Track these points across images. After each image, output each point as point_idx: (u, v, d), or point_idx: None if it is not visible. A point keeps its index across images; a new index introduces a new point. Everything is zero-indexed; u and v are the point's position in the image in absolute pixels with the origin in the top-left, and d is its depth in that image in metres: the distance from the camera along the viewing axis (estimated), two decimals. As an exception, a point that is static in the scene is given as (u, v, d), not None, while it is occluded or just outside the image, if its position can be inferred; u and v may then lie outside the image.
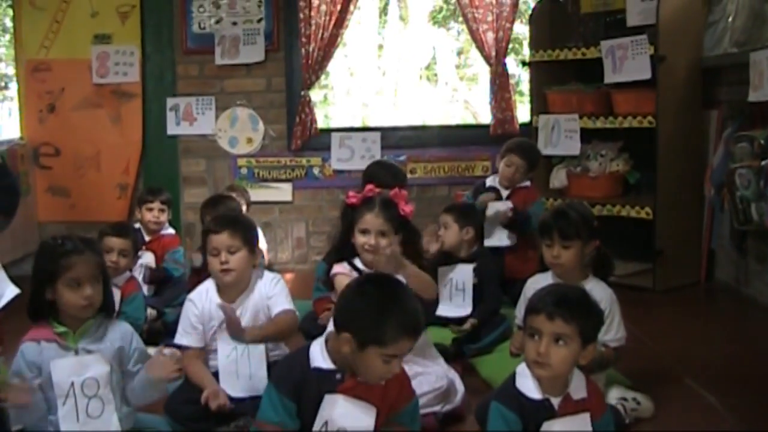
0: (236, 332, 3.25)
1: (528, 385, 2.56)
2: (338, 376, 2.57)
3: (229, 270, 3.32)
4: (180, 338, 3.40)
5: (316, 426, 2.57)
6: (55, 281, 2.71)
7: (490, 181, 5.12)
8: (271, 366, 3.34)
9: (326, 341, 2.63)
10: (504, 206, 4.75)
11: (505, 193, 4.98)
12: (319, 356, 2.60)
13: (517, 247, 4.87)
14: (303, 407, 2.57)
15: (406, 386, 2.70)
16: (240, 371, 3.29)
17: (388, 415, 2.63)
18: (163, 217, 5.16)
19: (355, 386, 2.58)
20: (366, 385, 2.57)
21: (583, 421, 2.55)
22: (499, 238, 4.89)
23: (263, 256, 4.74)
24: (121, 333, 2.87)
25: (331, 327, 2.62)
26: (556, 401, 2.54)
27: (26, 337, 2.78)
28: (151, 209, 5.13)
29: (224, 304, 3.28)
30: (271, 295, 3.40)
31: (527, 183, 5.02)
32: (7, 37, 8.88)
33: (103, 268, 2.84)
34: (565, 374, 2.54)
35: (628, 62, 5.37)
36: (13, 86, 7.24)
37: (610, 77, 5.50)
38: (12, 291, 3.31)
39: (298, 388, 2.57)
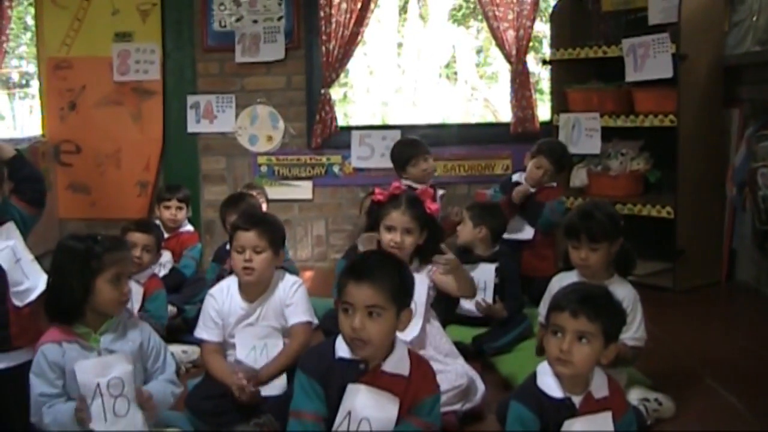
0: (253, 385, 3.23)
1: (549, 384, 2.55)
2: (362, 366, 2.59)
3: (251, 269, 3.33)
4: (200, 332, 3.43)
5: (340, 416, 2.58)
6: (95, 277, 2.73)
7: (516, 177, 5.11)
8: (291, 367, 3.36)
9: None
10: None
11: (531, 191, 4.99)
12: (343, 347, 2.61)
13: (535, 244, 4.88)
14: (328, 396, 2.60)
15: (430, 379, 2.70)
16: (259, 348, 3.33)
17: (410, 407, 2.62)
18: (181, 215, 5.17)
19: (379, 376, 2.59)
20: (390, 375, 2.59)
21: (605, 420, 2.54)
22: (518, 231, 4.90)
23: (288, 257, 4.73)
24: (140, 331, 2.90)
25: None
26: (577, 400, 2.54)
27: (45, 338, 2.78)
28: (168, 207, 5.15)
29: (241, 377, 3.23)
30: (290, 303, 3.41)
31: (554, 183, 5.03)
32: (29, 35, 8.93)
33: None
34: (586, 373, 2.53)
35: (649, 60, 5.35)
36: (35, 84, 7.28)
37: (631, 76, 5.48)
38: (44, 283, 3.33)
39: (325, 377, 2.59)
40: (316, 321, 3.49)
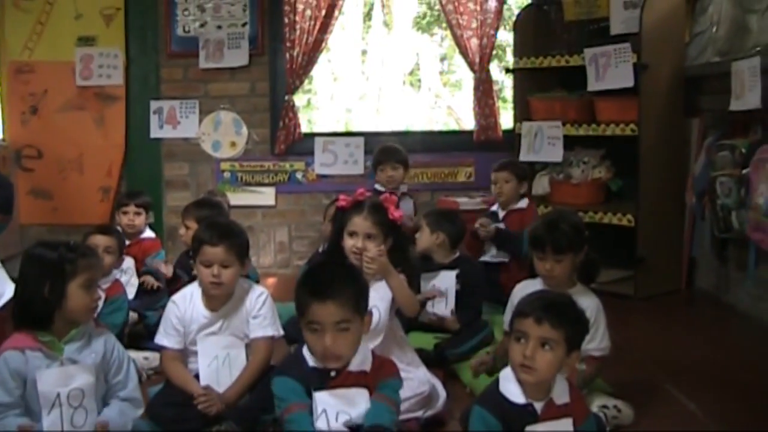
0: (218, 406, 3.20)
1: (512, 390, 2.57)
2: (332, 373, 2.67)
3: (219, 284, 3.31)
4: (160, 338, 3.39)
5: (317, 418, 2.63)
6: (68, 282, 2.72)
7: (494, 207, 5.19)
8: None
9: None
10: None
11: (501, 214, 5.07)
12: (312, 358, 2.69)
13: (510, 267, 4.88)
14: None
15: (390, 366, 2.81)
16: (221, 380, 3.29)
17: (375, 389, 2.73)
18: (139, 220, 5.12)
19: (346, 377, 2.68)
20: (355, 374, 2.69)
21: (566, 425, 2.57)
22: (491, 254, 4.94)
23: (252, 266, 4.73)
24: (104, 342, 2.88)
25: None
26: (539, 406, 2.56)
27: (7, 344, 2.75)
28: (126, 212, 5.11)
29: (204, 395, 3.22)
30: (256, 315, 3.39)
31: (523, 204, 5.05)
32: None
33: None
34: (549, 379, 2.56)
35: (611, 70, 5.39)
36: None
37: (593, 85, 5.52)
38: (12, 290, 3.31)
39: (303, 383, 2.66)
40: (281, 332, 3.47)
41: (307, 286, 2.65)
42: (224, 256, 3.30)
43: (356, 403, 2.68)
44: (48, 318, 2.73)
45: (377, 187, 5.24)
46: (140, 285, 4.75)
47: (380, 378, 2.74)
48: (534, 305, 2.56)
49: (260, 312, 3.38)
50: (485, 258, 4.93)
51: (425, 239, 4.45)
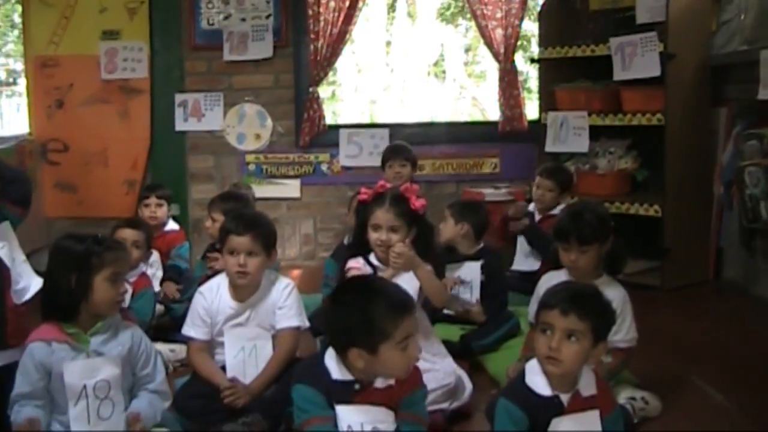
0: (244, 398, 3.20)
1: (537, 382, 2.56)
2: (357, 386, 2.58)
3: (245, 273, 3.31)
4: (188, 330, 3.40)
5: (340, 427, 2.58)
6: (94, 275, 2.72)
7: (531, 207, 5.25)
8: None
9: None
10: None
11: (537, 218, 5.15)
12: (336, 369, 2.59)
13: (541, 273, 4.86)
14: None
15: (415, 377, 2.70)
16: (247, 371, 3.29)
17: (400, 405, 2.64)
18: (161, 212, 5.16)
19: (371, 393, 2.59)
20: (380, 390, 2.60)
21: (592, 418, 2.55)
22: (526, 263, 4.96)
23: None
24: (131, 335, 2.87)
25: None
26: (565, 398, 2.54)
27: (34, 336, 2.76)
28: (147, 204, 5.15)
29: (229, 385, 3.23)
30: (282, 306, 3.38)
31: (558, 211, 4.97)
32: (16, 32, 8.89)
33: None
34: (575, 371, 2.54)
35: (637, 59, 5.35)
36: (22, 82, 7.24)
37: (619, 74, 5.48)
38: (38, 283, 3.33)
39: (325, 395, 2.57)
40: (306, 324, 3.47)
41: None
42: (250, 245, 3.30)
43: (381, 420, 2.61)
44: (74, 310, 2.73)
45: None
46: (161, 286, 4.77)
47: (405, 390, 2.65)
48: (559, 296, 2.55)
49: (286, 303, 3.38)
50: (518, 267, 5.04)
51: (449, 230, 4.42)
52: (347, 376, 2.57)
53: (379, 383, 2.60)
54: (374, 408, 2.58)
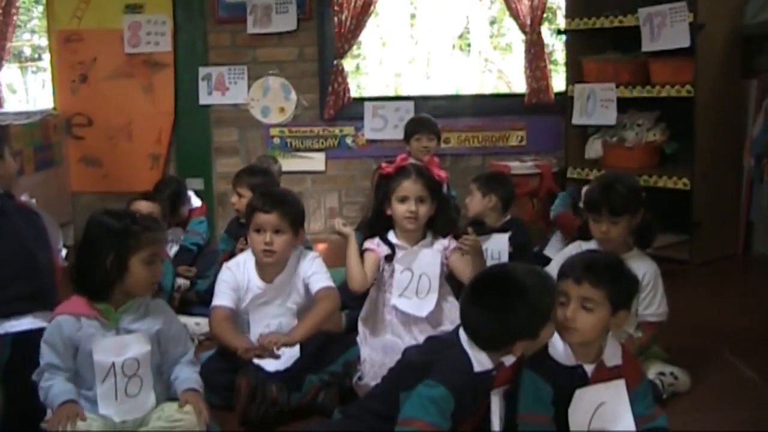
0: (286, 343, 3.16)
1: (560, 352, 2.54)
2: (493, 372, 2.52)
3: (271, 251, 3.29)
4: (221, 299, 3.36)
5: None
6: (131, 256, 2.67)
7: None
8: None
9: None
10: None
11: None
12: (481, 360, 2.49)
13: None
14: (457, 409, 2.47)
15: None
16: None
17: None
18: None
19: (505, 374, 2.54)
20: (506, 367, 2.54)
21: (618, 387, 2.52)
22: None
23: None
24: (162, 313, 2.83)
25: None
26: (589, 368, 2.51)
27: (63, 308, 2.72)
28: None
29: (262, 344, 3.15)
30: (311, 273, 3.37)
31: None
32: (40, 8, 8.89)
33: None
34: (593, 339, 2.51)
35: (666, 30, 5.27)
36: (46, 57, 7.24)
37: (647, 45, 5.40)
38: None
39: (463, 391, 2.46)
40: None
41: None
42: (277, 223, 3.28)
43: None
44: (107, 289, 2.69)
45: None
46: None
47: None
48: (575, 265, 2.53)
49: (314, 269, 3.38)
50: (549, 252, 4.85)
51: (477, 203, 4.38)
52: (487, 365, 2.50)
53: (506, 360, 2.53)
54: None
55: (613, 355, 2.56)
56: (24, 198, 3.53)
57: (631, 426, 2.52)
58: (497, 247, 4.27)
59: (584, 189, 4.96)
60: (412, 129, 5.20)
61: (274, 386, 3.05)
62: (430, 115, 5.53)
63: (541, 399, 2.50)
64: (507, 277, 2.49)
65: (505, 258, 4.25)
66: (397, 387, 2.57)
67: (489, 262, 4.25)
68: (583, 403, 2.50)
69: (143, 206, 4.16)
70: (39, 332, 2.76)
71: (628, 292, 2.57)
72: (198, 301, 4.35)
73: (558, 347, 2.55)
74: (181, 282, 4.51)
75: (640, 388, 2.59)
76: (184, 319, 4.04)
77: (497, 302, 2.43)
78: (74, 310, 2.69)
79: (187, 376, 2.82)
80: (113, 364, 2.65)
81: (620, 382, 2.53)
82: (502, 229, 4.34)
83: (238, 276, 3.38)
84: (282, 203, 3.34)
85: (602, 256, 2.67)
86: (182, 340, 2.89)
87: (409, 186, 3.36)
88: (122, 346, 2.67)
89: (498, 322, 2.41)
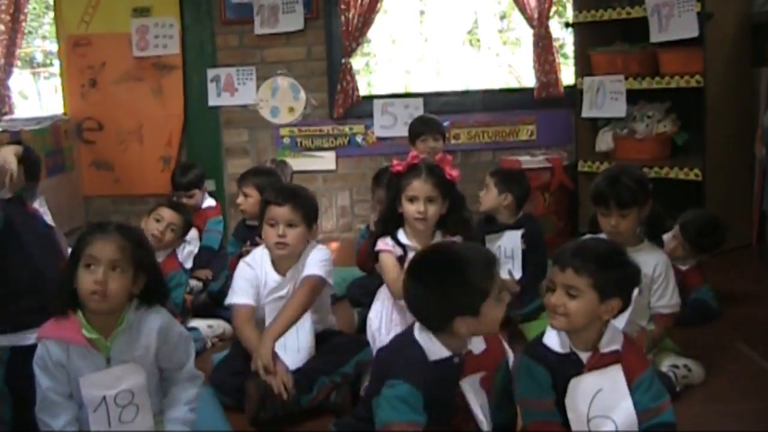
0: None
1: (553, 339, 2.52)
2: (456, 360, 2.49)
3: (284, 244, 3.30)
4: (232, 297, 3.38)
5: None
6: (77, 263, 2.45)
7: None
8: (318, 338, 3.35)
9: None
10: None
11: None
12: (433, 348, 2.47)
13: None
14: (428, 401, 2.44)
15: (498, 340, 2.65)
16: (288, 344, 3.28)
17: (493, 376, 2.58)
18: (193, 201, 5.16)
19: (473, 361, 2.52)
20: (476, 356, 2.52)
21: (614, 373, 2.49)
22: None
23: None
24: (156, 329, 2.57)
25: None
26: (584, 356, 2.49)
27: (48, 331, 2.50)
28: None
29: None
30: (309, 260, 3.38)
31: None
32: (51, 14, 8.93)
33: (139, 260, 2.50)
34: (579, 327, 2.48)
35: (674, 20, 5.24)
36: (57, 63, 7.27)
37: (656, 36, 5.38)
38: None
39: (427, 383, 2.42)
40: (331, 283, 3.46)
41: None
42: (290, 216, 3.31)
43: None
44: (71, 302, 2.48)
45: None
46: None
47: (497, 351, 2.61)
48: (564, 252, 2.50)
49: (312, 257, 3.38)
50: None
51: (492, 199, 4.35)
52: (444, 353, 2.47)
53: (474, 348, 2.52)
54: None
55: (610, 342, 2.51)
56: (37, 204, 3.53)
57: (631, 412, 2.48)
58: (510, 244, 4.28)
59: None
60: (418, 130, 5.07)
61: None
62: (440, 111, 5.52)
63: (539, 384, 2.49)
64: (443, 253, 2.55)
65: (518, 255, 4.25)
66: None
67: (502, 260, 4.26)
68: (579, 391, 2.48)
69: (166, 214, 4.14)
70: None
71: (621, 281, 2.50)
72: (211, 303, 4.35)
73: (551, 335, 2.54)
74: (194, 284, 4.53)
75: (644, 377, 2.53)
76: (197, 322, 4.06)
77: (432, 277, 2.44)
78: (62, 334, 2.49)
79: (176, 416, 2.65)
80: (104, 398, 2.49)
81: (616, 368, 2.49)
82: (515, 226, 4.33)
83: (256, 270, 3.42)
84: (295, 196, 3.37)
85: (595, 243, 2.62)
86: (180, 349, 2.66)
87: (418, 186, 3.32)
88: (114, 379, 2.50)
89: (434, 297, 2.42)
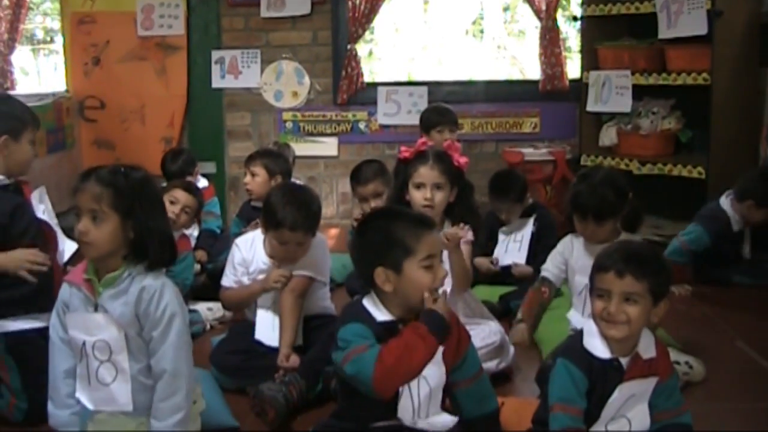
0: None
1: (596, 345, 2.46)
2: (400, 326, 2.47)
3: (293, 258, 3.35)
4: (224, 280, 3.48)
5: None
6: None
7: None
8: (310, 319, 3.39)
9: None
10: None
11: None
12: (377, 312, 2.48)
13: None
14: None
15: (462, 330, 2.64)
16: (276, 326, 3.32)
17: (455, 363, 2.57)
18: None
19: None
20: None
21: (650, 383, 2.47)
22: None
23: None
24: (140, 290, 2.44)
25: None
26: (624, 361, 2.45)
27: (68, 275, 2.59)
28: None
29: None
30: (304, 258, 3.39)
31: None
32: (53, -10, 8.89)
33: (122, 207, 2.39)
34: (635, 334, 2.45)
35: (683, 17, 5.22)
36: (59, 40, 7.23)
37: (664, 32, 5.35)
38: (71, 246, 3.32)
39: (374, 333, 2.43)
40: (323, 277, 3.49)
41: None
42: (302, 239, 3.32)
43: (434, 373, 2.49)
44: None
45: None
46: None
47: (459, 347, 2.59)
48: (614, 258, 2.44)
49: (309, 255, 3.39)
50: None
51: (505, 216, 4.52)
52: (388, 317, 2.47)
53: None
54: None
55: (647, 347, 2.48)
56: (36, 195, 3.48)
57: (646, 412, 2.48)
58: (521, 230, 4.39)
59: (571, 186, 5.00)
60: (435, 120, 4.99)
61: (294, 391, 3.04)
62: (444, 100, 5.50)
63: (577, 389, 2.44)
64: (381, 209, 2.85)
65: (527, 241, 4.31)
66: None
67: (512, 245, 4.37)
68: (618, 396, 2.45)
69: (181, 196, 4.13)
70: (33, 332, 2.81)
71: (667, 281, 2.51)
72: (211, 285, 4.33)
73: (593, 340, 2.47)
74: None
75: (670, 381, 2.53)
76: (197, 305, 4.06)
77: (364, 226, 2.59)
78: (71, 277, 2.53)
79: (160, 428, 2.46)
80: (84, 343, 2.44)
81: (654, 380, 2.48)
82: (525, 213, 4.44)
83: (245, 250, 3.46)
84: (308, 219, 3.32)
85: (639, 248, 2.58)
86: (159, 327, 2.44)
87: (425, 172, 3.32)
88: (94, 326, 2.44)
89: (359, 243, 2.57)
